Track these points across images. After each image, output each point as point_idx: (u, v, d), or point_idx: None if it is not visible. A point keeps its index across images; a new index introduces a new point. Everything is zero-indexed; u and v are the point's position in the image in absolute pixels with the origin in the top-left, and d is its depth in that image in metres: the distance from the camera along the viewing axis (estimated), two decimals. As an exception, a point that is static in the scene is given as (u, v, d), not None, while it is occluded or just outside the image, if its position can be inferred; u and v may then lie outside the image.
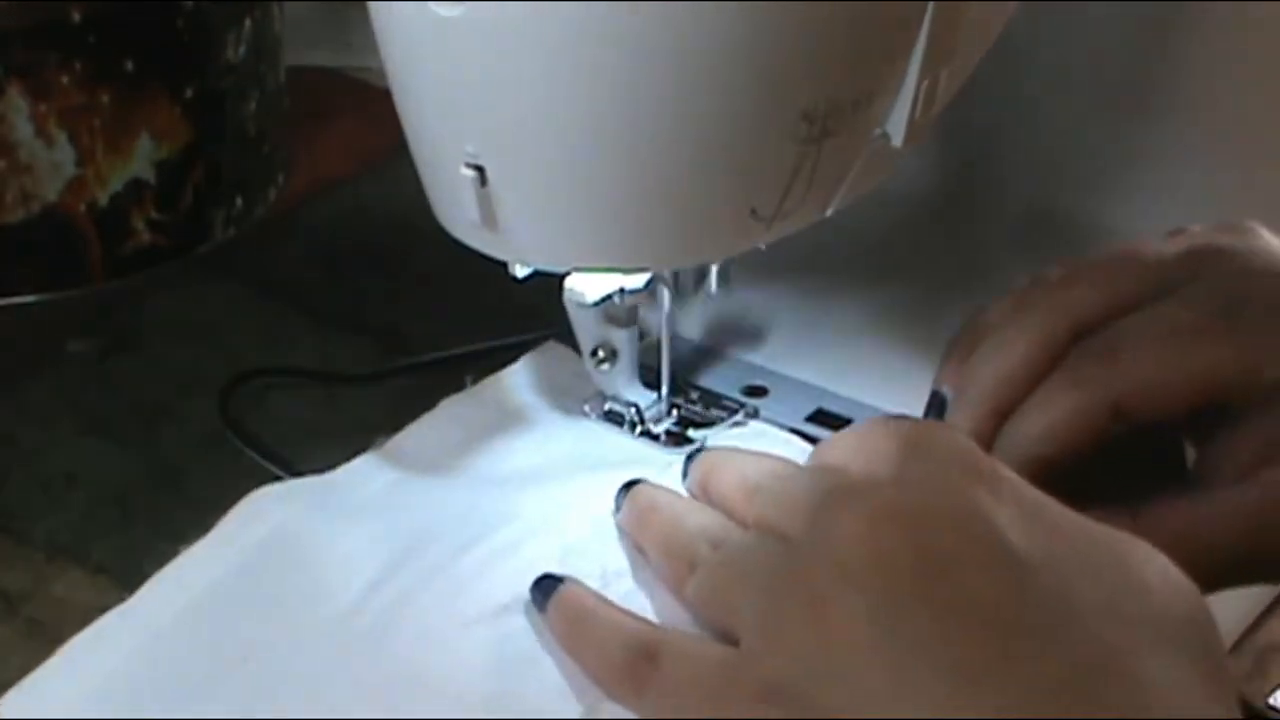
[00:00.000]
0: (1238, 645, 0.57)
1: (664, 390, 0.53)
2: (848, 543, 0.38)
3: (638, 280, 0.49)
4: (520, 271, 0.47)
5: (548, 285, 0.50)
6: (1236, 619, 0.58)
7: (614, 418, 0.53)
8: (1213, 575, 0.43)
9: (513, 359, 0.58)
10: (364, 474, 0.52)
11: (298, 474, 0.54)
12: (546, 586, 0.44)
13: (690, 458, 0.48)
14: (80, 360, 0.65)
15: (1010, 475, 0.39)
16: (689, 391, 0.54)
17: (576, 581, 0.44)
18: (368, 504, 0.50)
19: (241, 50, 0.68)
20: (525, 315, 0.60)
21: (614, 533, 0.48)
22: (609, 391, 0.53)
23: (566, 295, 0.49)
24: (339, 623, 0.45)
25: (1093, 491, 0.43)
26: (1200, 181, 0.56)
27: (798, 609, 0.38)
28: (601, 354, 0.51)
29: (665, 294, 0.50)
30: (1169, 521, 0.44)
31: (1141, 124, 0.59)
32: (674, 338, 0.52)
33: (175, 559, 0.48)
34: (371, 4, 0.42)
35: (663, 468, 0.50)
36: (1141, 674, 0.35)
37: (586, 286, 0.49)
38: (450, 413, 0.55)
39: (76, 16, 0.62)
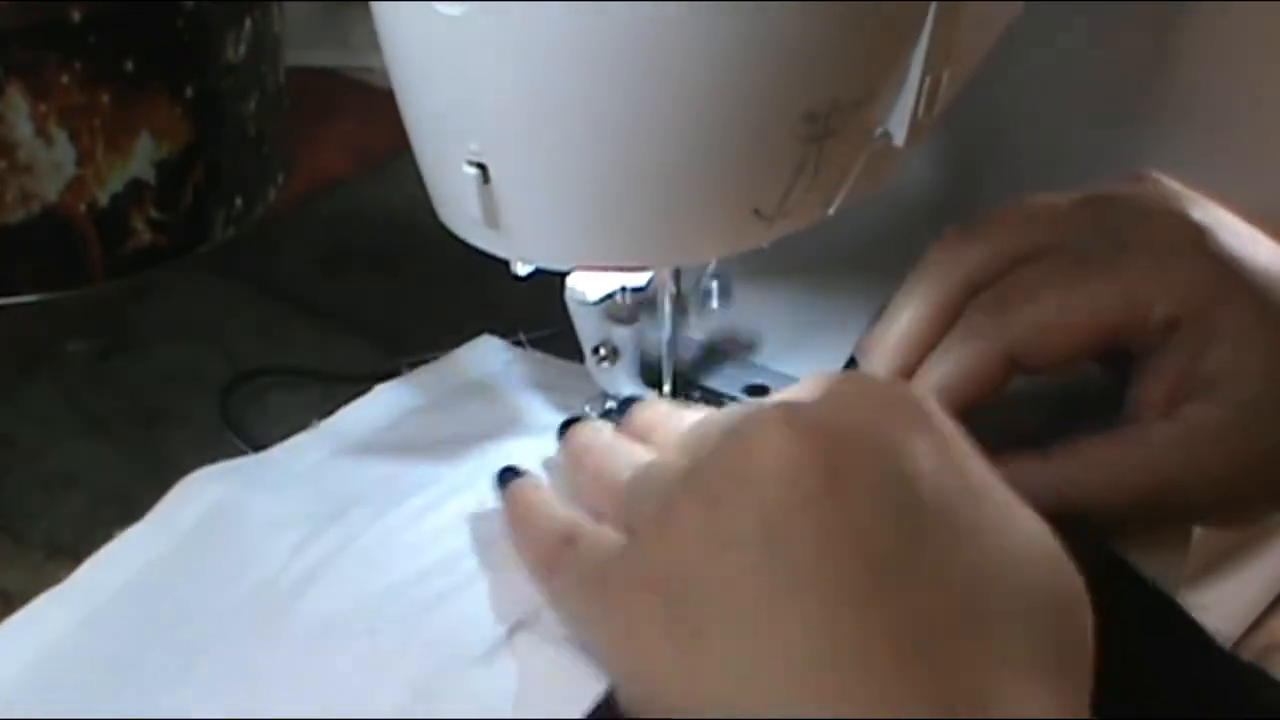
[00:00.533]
0: (1238, 645, 0.57)
1: (666, 389, 0.53)
2: (748, 450, 0.38)
3: (639, 279, 0.49)
4: (522, 269, 0.47)
5: (548, 284, 0.50)
6: (1236, 619, 0.58)
7: (615, 416, 0.53)
8: (1131, 512, 0.45)
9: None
10: (296, 450, 0.54)
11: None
12: (505, 478, 0.47)
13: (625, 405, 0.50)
14: (80, 360, 0.65)
15: (941, 422, 0.39)
16: (691, 390, 0.54)
17: (533, 476, 0.47)
18: (298, 477, 0.52)
19: (241, 50, 0.68)
20: (525, 315, 0.60)
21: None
22: (610, 390, 0.53)
23: (568, 294, 0.49)
24: (264, 587, 0.47)
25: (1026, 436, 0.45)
26: (1200, 183, 0.56)
27: (691, 509, 0.39)
28: (603, 352, 0.51)
29: (667, 293, 0.50)
30: (1080, 460, 0.46)
31: (1141, 125, 0.59)
32: (676, 336, 0.52)
33: (112, 540, 0.50)
34: (374, 3, 0.42)
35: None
36: (992, 645, 0.36)
37: (588, 285, 0.49)
38: (383, 396, 0.57)
39: (76, 16, 0.62)
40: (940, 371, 0.47)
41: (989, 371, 0.46)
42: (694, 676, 0.37)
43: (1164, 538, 0.49)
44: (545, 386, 0.56)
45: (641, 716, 0.38)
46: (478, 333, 0.61)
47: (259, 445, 0.57)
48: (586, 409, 0.54)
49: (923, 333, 0.48)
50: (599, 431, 0.48)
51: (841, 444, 0.38)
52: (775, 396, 0.45)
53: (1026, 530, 0.38)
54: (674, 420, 0.47)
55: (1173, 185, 0.48)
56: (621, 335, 0.51)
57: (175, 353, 0.65)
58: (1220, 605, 0.57)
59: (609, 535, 0.42)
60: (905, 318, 0.48)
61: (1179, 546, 0.50)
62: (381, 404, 0.57)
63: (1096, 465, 0.46)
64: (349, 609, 0.45)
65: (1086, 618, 0.37)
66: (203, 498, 0.51)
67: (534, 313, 0.56)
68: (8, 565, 0.53)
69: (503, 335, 0.61)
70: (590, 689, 0.41)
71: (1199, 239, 0.46)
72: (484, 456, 0.51)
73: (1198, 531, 0.50)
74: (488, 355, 0.60)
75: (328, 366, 0.62)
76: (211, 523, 0.50)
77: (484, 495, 0.49)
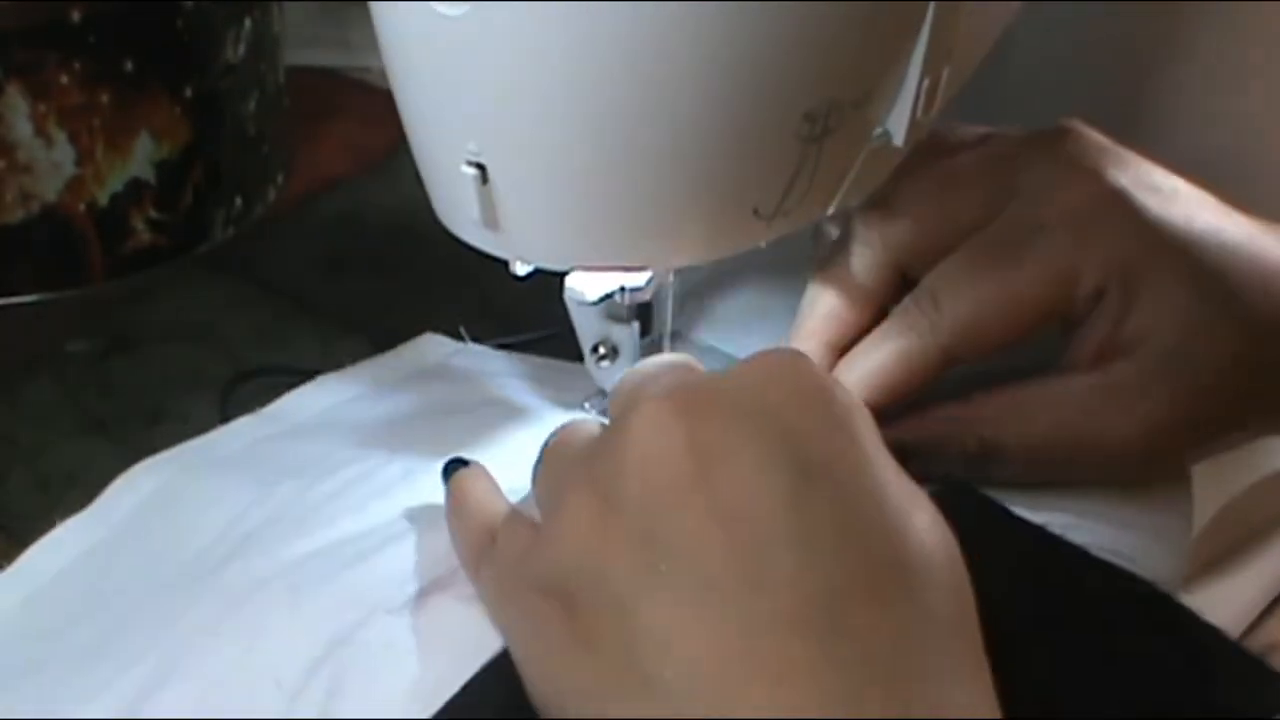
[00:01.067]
0: (1238, 645, 0.57)
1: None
2: (627, 435, 0.37)
3: (639, 278, 0.49)
4: (521, 269, 0.47)
5: (547, 284, 0.50)
6: (1236, 619, 0.58)
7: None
8: (1043, 453, 0.46)
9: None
10: (235, 434, 0.55)
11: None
12: (450, 469, 0.46)
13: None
14: (80, 360, 0.65)
15: (840, 400, 0.38)
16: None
17: (478, 467, 0.46)
18: (234, 458, 0.53)
19: (241, 50, 0.68)
20: (523, 315, 0.60)
21: (447, 441, 0.50)
22: (609, 388, 0.53)
23: (567, 293, 0.49)
24: (196, 559, 0.48)
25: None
26: (1197, 183, 0.56)
27: (578, 498, 0.37)
28: (602, 351, 0.51)
29: (667, 292, 0.50)
30: (997, 402, 0.46)
31: (1138, 125, 0.59)
32: (674, 335, 0.52)
33: (53, 530, 0.51)
34: (373, 4, 0.42)
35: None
36: (899, 620, 0.34)
37: (587, 285, 0.49)
38: (323, 385, 0.58)
39: (76, 16, 0.62)
40: (875, 362, 0.47)
41: (925, 367, 0.47)
42: (590, 679, 0.36)
43: (1164, 537, 0.49)
44: (543, 384, 0.56)
45: (541, 710, 0.38)
46: (475, 332, 0.61)
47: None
48: (586, 406, 0.54)
49: (848, 314, 0.48)
50: (579, 423, 0.48)
51: (716, 421, 0.36)
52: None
53: (923, 519, 0.37)
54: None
55: (1094, 137, 0.48)
56: (620, 334, 0.50)
57: (175, 353, 0.66)
58: (1220, 605, 0.57)
59: (525, 530, 0.41)
60: (829, 299, 0.48)
61: (1179, 546, 0.50)
62: (321, 391, 0.58)
63: (1012, 406, 0.46)
64: (273, 569, 0.46)
65: (973, 606, 0.36)
66: (142, 486, 0.52)
67: (532, 313, 0.56)
68: (8, 564, 0.53)
69: (502, 335, 0.61)
70: (496, 643, 0.41)
71: (1116, 203, 0.45)
72: (413, 429, 0.53)
73: (1197, 531, 0.50)
74: (429, 349, 0.61)
75: (328, 366, 0.62)
76: (150, 508, 0.51)
77: (411, 466, 0.50)
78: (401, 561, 0.46)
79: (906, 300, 0.47)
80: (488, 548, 0.42)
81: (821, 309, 0.49)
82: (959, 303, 0.46)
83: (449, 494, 0.46)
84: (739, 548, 0.35)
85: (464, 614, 0.43)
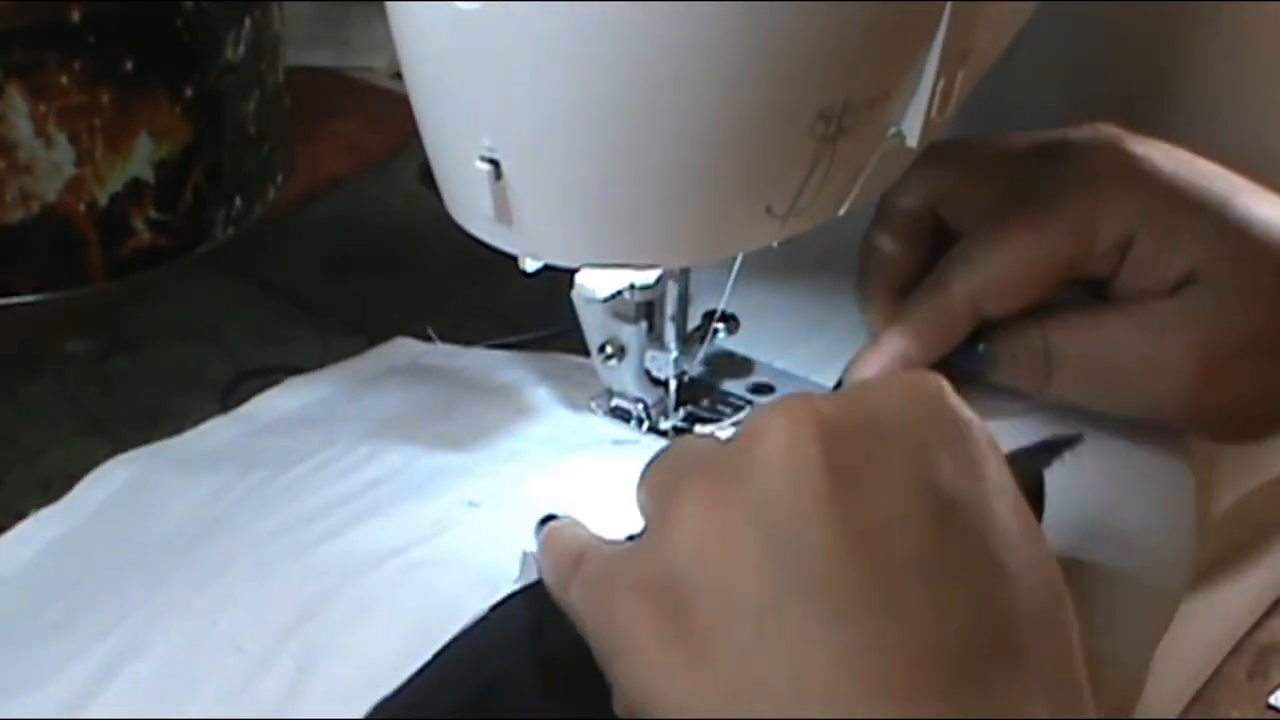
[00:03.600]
0: (1238, 646, 0.57)
1: (673, 387, 0.52)
2: (754, 444, 0.36)
3: (648, 276, 0.48)
4: (531, 266, 0.47)
5: (548, 283, 0.50)
6: (1237, 619, 0.58)
7: (620, 414, 0.53)
8: (1103, 376, 0.49)
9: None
10: (205, 434, 0.56)
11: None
12: (544, 523, 0.44)
13: None
14: (80, 360, 0.65)
15: (969, 428, 0.37)
16: (696, 389, 0.54)
17: (569, 519, 0.44)
18: (206, 454, 0.54)
19: (241, 50, 0.68)
20: (525, 314, 0.60)
21: (416, 434, 0.52)
22: (616, 388, 0.52)
23: (575, 291, 0.49)
24: (162, 545, 0.48)
25: None
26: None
27: (692, 505, 0.36)
28: (609, 350, 0.51)
29: (675, 291, 0.50)
30: (1071, 335, 0.49)
31: (1138, 126, 0.59)
32: (710, 347, 0.52)
33: (21, 522, 0.51)
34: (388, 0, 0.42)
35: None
36: (1020, 675, 0.34)
37: (596, 282, 0.49)
38: (293, 386, 0.59)
39: (76, 16, 0.61)
40: (913, 319, 0.50)
41: (959, 324, 0.50)
42: (692, 687, 0.35)
43: (1167, 538, 0.50)
44: (551, 379, 0.56)
45: None
46: (477, 332, 0.61)
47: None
48: (592, 405, 0.54)
49: (901, 264, 0.53)
50: (697, 436, 0.49)
51: (856, 442, 0.35)
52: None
53: (1039, 551, 0.36)
54: None
55: (1118, 130, 0.50)
56: (628, 333, 0.50)
57: (175, 353, 0.65)
58: (1220, 605, 0.57)
59: (610, 545, 0.41)
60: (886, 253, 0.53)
61: (1184, 547, 0.50)
62: (292, 392, 0.58)
63: (1082, 316, 0.50)
64: (241, 547, 0.47)
65: (1075, 635, 0.36)
66: (114, 479, 0.53)
67: (533, 313, 0.56)
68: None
69: (502, 335, 0.61)
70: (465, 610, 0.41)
71: (1133, 164, 0.48)
72: (381, 420, 0.54)
73: (1205, 529, 0.50)
74: (399, 351, 0.61)
75: (328, 366, 0.62)
76: (121, 498, 0.52)
77: (380, 448, 0.51)
78: (370, 536, 0.46)
79: (937, 267, 0.50)
80: (575, 564, 0.41)
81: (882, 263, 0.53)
82: (990, 258, 0.49)
83: (540, 543, 0.44)
84: (874, 573, 0.34)
85: (433, 581, 0.43)
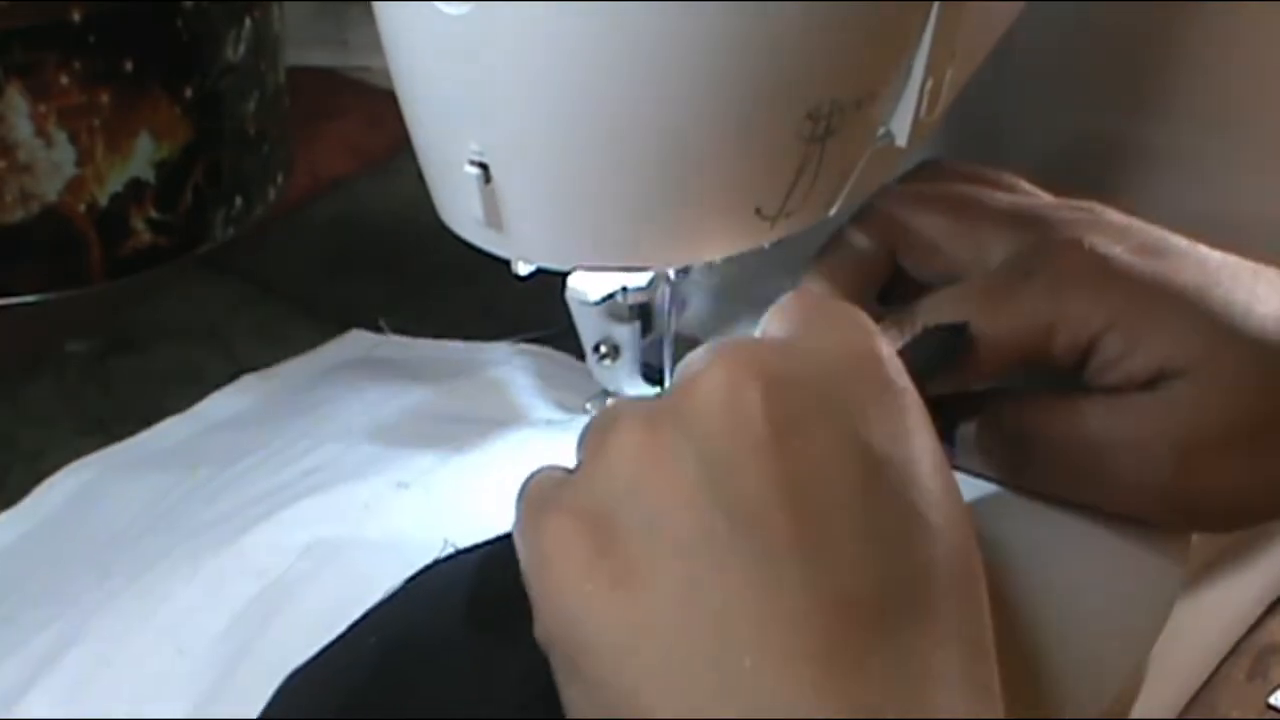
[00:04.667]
0: (1238, 645, 0.57)
1: (668, 385, 0.53)
2: (703, 385, 0.36)
3: (640, 278, 0.48)
4: (523, 269, 0.47)
5: (548, 283, 0.50)
6: (1236, 619, 0.58)
7: None
8: (1079, 466, 0.46)
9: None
10: (160, 434, 0.57)
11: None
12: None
13: None
14: (80, 360, 0.65)
15: (901, 389, 0.38)
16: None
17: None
18: (159, 454, 0.55)
19: (241, 50, 0.68)
20: (525, 313, 0.60)
21: (355, 423, 0.53)
22: (611, 387, 0.52)
23: (569, 293, 0.49)
24: (109, 542, 0.49)
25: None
26: (1204, 180, 0.56)
27: (629, 430, 0.36)
28: (604, 350, 0.51)
29: (667, 292, 0.50)
30: (1047, 419, 0.46)
31: (1138, 125, 0.59)
32: (676, 335, 0.52)
33: None
34: (376, 3, 0.42)
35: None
36: (935, 630, 0.35)
37: (589, 285, 0.49)
38: (247, 384, 0.60)
39: (76, 16, 0.61)
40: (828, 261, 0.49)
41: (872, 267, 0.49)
42: (612, 611, 0.35)
43: (1163, 537, 0.49)
44: (546, 379, 0.57)
45: (551, 647, 0.37)
46: (477, 331, 0.61)
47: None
48: (587, 406, 0.54)
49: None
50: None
51: (795, 395, 0.36)
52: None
53: (956, 514, 0.37)
54: None
55: (1110, 215, 0.48)
56: (622, 334, 0.50)
57: (175, 353, 0.65)
58: (1220, 605, 0.57)
59: (554, 470, 0.40)
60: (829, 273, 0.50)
61: (1179, 546, 0.50)
62: (245, 389, 0.59)
63: (1064, 402, 0.46)
64: (177, 540, 0.47)
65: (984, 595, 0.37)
66: (66, 484, 0.54)
67: (533, 312, 0.56)
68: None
69: (502, 334, 0.61)
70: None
71: (1103, 266, 0.45)
72: (322, 417, 0.54)
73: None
74: (353, 345, 0.62)
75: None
76: (74, 502, 0.53)
77: (320, 440, 0.52)
78: (298, 521, 0.47)
79: (888, 319, 0.47)
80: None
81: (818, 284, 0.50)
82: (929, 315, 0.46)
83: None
84: (804, 522, 0.34)
85: (357, 563, 0.44)
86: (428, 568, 0.43)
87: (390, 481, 0.49)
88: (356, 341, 0.62)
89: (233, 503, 0.49)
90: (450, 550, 0.44)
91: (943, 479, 0.37)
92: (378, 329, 0.62)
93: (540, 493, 0.39)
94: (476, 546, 0.42)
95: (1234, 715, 0.55)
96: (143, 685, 0.43)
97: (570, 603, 0.36)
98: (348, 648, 0.41)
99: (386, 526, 0.47)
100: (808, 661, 0.33)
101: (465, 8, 0.39)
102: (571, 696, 0.36)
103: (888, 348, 0.38)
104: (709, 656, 0.34)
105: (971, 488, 0.48)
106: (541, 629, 0.37)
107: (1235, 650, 0.57)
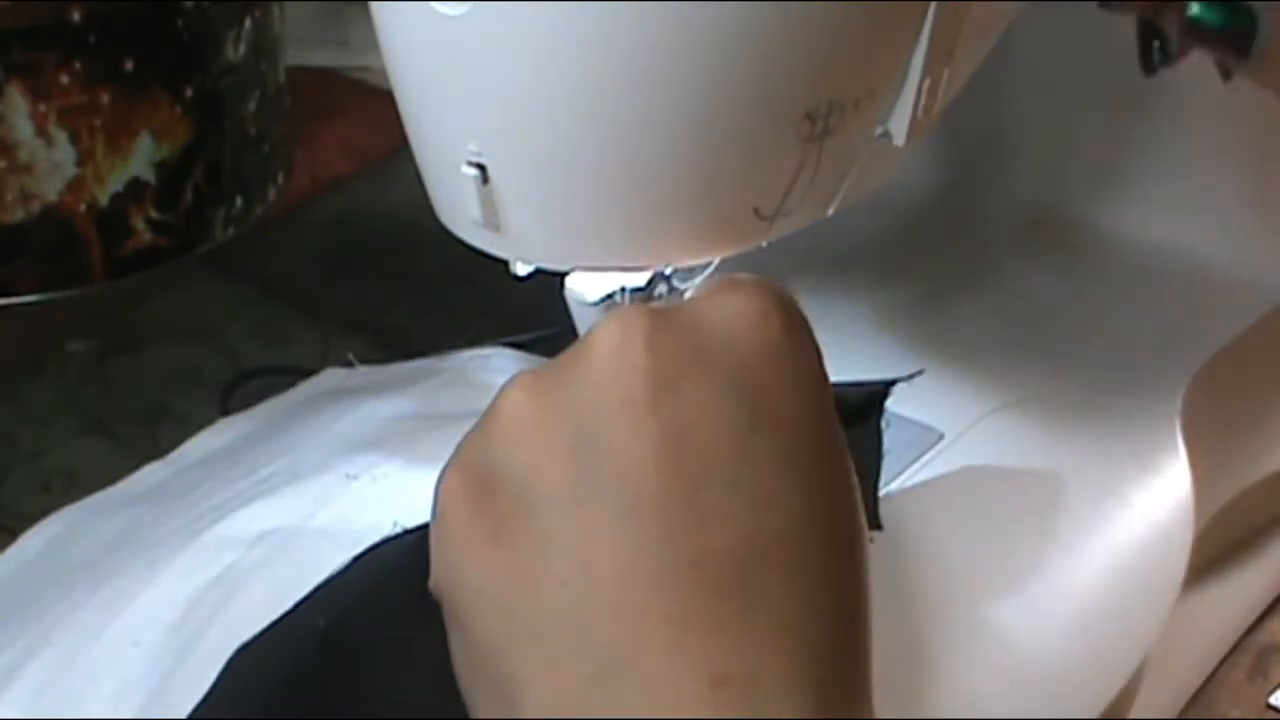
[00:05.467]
0: (1238, 645, 0.57)
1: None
2: (594, 344, 0.36)
3: (639, 278, 0.48)
4: (522, 270, 0.47)
5: (549, 284, 0.50)
6: (1236, 619, 0.58)
7: None
8: None
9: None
10: (138, 480, 0.57)
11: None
12: None
13: None
14: (80, 360, 0.65)
15: (812, 368, 0.38)
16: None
17: None
18: (137, 497, 0.55)
19: (241, 50, 0.68)
20: (525, 313, 0.60)
21: (316, 441, 0.53)
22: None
23: (568, 293, 0.49)
24: (74, 569, 0.50)
25: None
26: (1198, 180, 0.56)
27: (520, 390, 0.37)
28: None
29: (666, 292, 0.50)
30: None
31: (1139, 124, 0.59)
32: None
33: None
34: (372, 3, 0.42)
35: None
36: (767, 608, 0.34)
37: (587, 285, 0.49)
38: (224, 426, 0.59)
39: (76, 16, 0.61)
40: None
41: None
42: (486, 564, 0.35)
43: (1163, 534, 0.49)
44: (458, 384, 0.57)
45: (440, 597, 0.37)
46: (478, 331, 0.61)
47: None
48: None
49: None
50: None
51: (681, 352, 0.36)
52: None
53: (838, 477, 0.37)
54: None
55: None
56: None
57: (175, 353, 0.66)
58: (1220, 605, 0.57)
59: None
60: None
61: (1179, 548, 0.50)
62: (218, 432, 0.59)
63: None
64: (139, 551, 0.48)
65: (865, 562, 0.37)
66: (47, 530, 0.54)
67: (534, 312, 0.56)
68: (8, 565, 0.53)
69: (503, 334, 0.61)
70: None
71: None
72: (295, 449, 0.54)
73: (1198, 531, 0.50)
74: (327, 380, 0.61)
75: (328, 366, 0.62)
76: (51, 544, 0.53)
77: (277, 452, 0.52)
78: (250, 519, 0.48)
79: None
80: None
81: None
82: None
83: None
84: (674, 481, 0.34)
85: (304, 552, 0.45)
86: (374, 546, 0.44)
87: (339, 475, 0.49)
88: (330, 377, 0.62)
89: (190, 515, 0.50)
90: (399, 530, 0.45)
91: (826, 442, 0.37)
92: (348, 363, 0.62)
93: (455, 450, 0.39)
94: (424, 526, 0.43)
95: (1234, 715, 0.55)
96: (101, 682, 0.44)
97: (452, 554, 0.36)
98: (294, 623, 0.42)
99: (334, 514, 0.48)
100: (664, 621, 0.33)
101: (462, 8, 0.39)
102: (453, 647, 0.37)
103: (791, 315, 0.38)
104: (566, 614, 0.34)
105: (971, 489, 0.49)
106: (433, 579, 0.37)
107: (1235, 650, 0.57)
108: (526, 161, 0.42)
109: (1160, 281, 0.58)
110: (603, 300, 0.48)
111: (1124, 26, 0.55)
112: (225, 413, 0.60)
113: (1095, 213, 0.61)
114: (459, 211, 0.43)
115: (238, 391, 0.61)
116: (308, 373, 0.61)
